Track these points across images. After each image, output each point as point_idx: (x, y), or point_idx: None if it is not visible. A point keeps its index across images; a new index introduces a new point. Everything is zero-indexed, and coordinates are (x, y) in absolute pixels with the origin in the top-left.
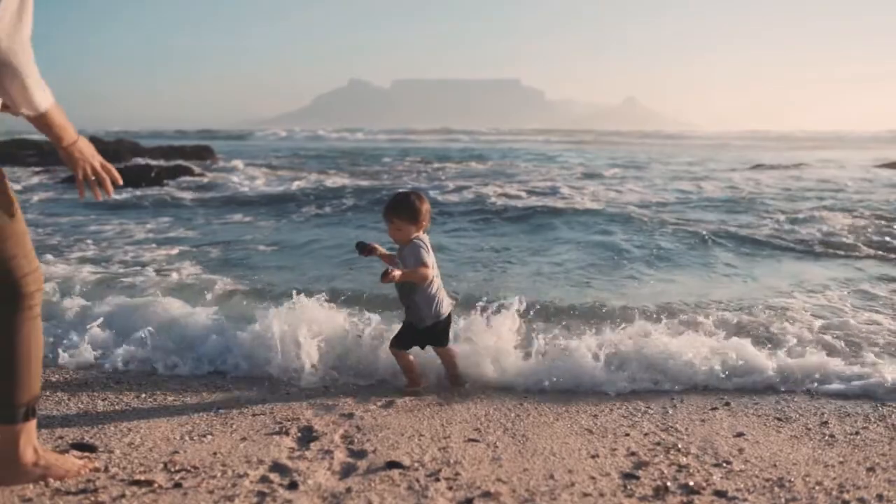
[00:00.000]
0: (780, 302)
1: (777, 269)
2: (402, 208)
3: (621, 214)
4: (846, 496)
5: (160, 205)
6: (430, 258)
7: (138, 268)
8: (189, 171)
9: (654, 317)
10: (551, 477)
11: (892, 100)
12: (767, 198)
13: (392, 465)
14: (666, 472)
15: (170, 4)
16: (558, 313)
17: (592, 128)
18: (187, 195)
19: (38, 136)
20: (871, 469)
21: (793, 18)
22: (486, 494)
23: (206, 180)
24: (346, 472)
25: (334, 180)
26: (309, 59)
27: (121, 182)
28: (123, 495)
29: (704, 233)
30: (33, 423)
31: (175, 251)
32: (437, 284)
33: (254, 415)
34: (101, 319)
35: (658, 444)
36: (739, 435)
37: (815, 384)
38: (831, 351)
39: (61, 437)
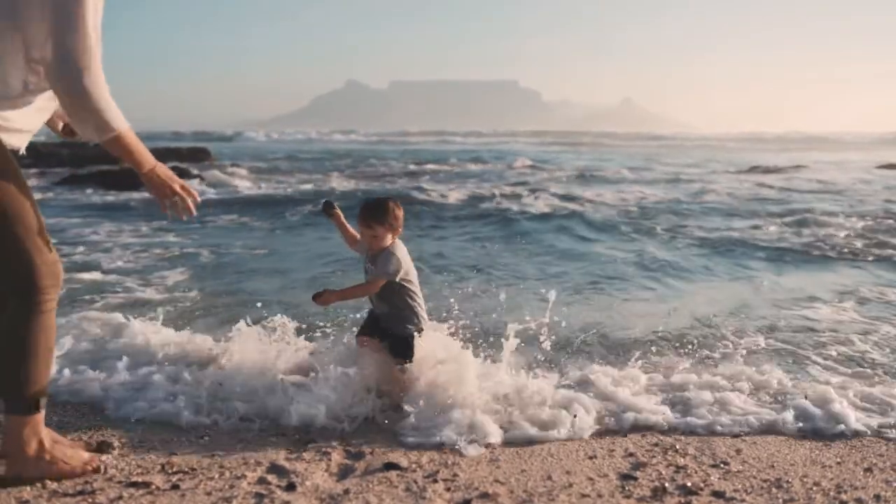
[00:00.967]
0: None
1: (778, 275)
2: (382, 215)
3: (614, 219)
4: (844, 496)
5: (155, 206)
6: (405, 265)
7: (123, 277)
8: (186, 174)
9: (662, 340)
10: (549, 478)
11: (892, 100)
12: (769, 203)
13: (390, 466)
14: (664, 472)
15: (169, 4)
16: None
17: (589, 129)
18: None
19: (35, 138)
20: (868, 469)
21: (792, 18)
22: (485, 495)
23: (202, 183)
24: (344, 473)
25: (330, 184)
26: (308, 60)
27: (199, 201)
28: (121, 497)
29: (704, 237)
30: (39, 417)
31: (166, 254)
32: (419, 293)
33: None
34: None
35: (656, 444)
36: (737, 436)
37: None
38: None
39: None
